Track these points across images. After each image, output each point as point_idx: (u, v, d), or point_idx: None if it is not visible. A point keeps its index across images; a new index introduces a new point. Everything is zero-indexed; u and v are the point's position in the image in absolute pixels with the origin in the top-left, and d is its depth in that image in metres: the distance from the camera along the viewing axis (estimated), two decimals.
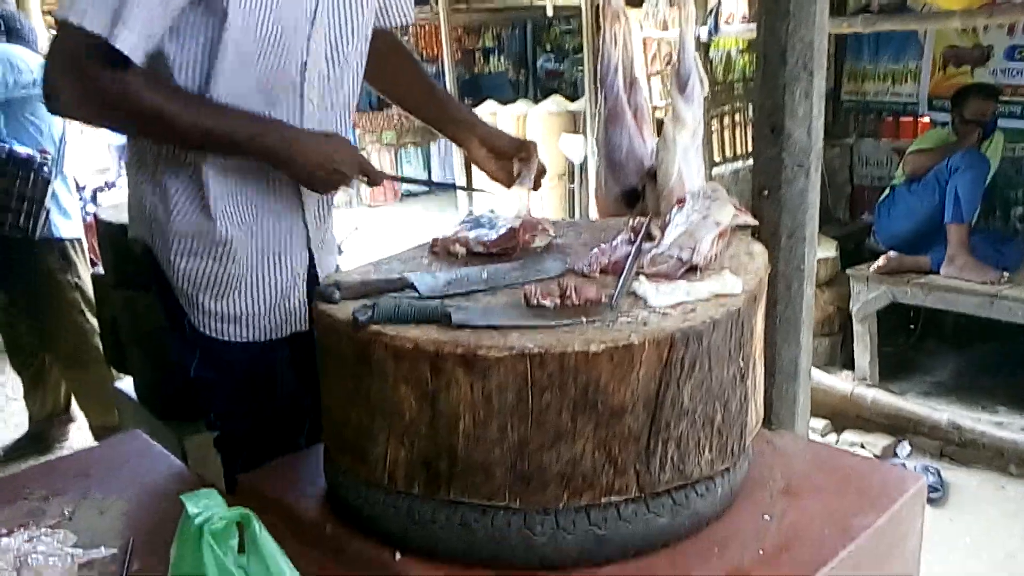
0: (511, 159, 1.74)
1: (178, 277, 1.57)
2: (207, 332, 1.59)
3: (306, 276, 1.65)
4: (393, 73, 1.83)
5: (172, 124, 1.42)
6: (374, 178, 1.56)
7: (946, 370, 4.54)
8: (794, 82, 1.43)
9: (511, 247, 1.52)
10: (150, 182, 1.55)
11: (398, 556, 1.20)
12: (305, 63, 1.52)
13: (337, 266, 1.78)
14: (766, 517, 1.25)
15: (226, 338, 1.60)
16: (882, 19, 4.36)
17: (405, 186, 9.65)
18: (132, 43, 1.34)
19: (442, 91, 1.99)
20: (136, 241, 1.64)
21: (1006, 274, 3.87)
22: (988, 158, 4.09)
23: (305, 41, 1.51)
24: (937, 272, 4.04)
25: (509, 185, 1.74)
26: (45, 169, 3.19)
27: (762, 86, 1.49)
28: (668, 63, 5.68)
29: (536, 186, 1.74)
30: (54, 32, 1.43)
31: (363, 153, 1.57)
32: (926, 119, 5.24)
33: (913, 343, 4.75)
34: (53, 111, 1.47)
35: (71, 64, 1.38)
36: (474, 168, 1.85)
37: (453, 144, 1.85)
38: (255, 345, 1.62)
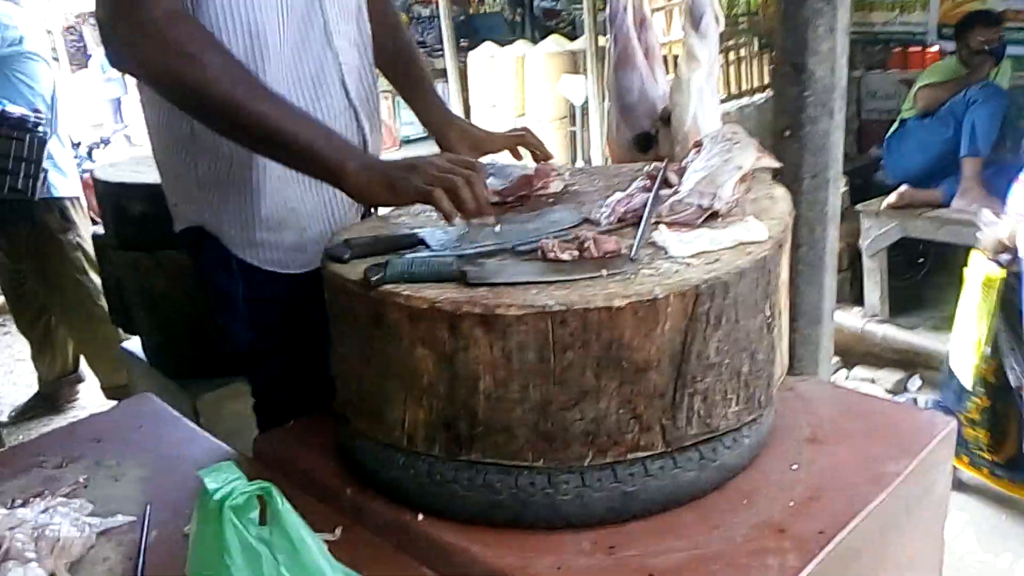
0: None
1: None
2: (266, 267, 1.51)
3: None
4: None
5: (236, 112, 1.23)
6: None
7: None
8: (817, 16, 1.36)
9: (525, 194, 1.48)
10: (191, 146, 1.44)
11: (420, 517, 1.18)
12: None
13: None
14: (794, 467, 1.23)
15: (285, 270, 1.52)
16: None
17: (404, 132, 9.46)
18: None
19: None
20: (188, 230, 1.54)
21: None
22: (1005, 91, 4.01)
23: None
24: (948, 206, 3.98)
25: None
26: (40, 129, 3.13)
27: (783, 22, 1.42)
28: None
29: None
30: None
31: None
32: (935, 49, 5.13)
33: (922, 278, 4.72)
34: (114, 64, 1.27)
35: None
36: None
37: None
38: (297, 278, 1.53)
